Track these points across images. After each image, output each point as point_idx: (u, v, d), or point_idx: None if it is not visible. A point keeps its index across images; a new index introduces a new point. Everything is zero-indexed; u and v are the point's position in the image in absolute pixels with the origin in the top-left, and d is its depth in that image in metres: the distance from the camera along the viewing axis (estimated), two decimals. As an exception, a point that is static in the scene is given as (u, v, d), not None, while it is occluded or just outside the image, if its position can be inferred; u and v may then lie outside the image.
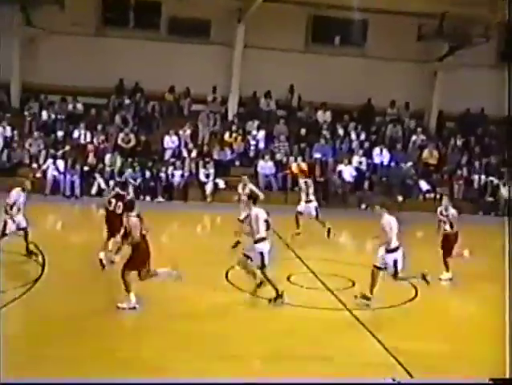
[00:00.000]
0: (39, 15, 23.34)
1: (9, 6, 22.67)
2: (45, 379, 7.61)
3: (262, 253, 11.27)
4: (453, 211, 13.57)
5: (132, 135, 22.79)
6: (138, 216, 10.73)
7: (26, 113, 23.40)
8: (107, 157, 21.95)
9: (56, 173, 21.03)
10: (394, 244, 11.23)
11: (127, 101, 24.21)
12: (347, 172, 22.96)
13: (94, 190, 21.12)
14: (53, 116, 23.38)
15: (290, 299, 11.40)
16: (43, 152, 21.88)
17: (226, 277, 12.72)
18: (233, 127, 24.13)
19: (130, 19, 25.39)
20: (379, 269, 11.37)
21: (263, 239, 11.33)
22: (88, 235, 15.32)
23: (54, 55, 23.94)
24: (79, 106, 23.81)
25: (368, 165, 23.66)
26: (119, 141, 22.64)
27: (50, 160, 21.12)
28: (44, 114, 23.30)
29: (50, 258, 13.44)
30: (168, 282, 11.20)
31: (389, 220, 11.23)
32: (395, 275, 11.32)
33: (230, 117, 24.96)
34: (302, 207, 16.38)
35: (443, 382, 8.49)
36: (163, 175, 21.81)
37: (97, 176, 21.20)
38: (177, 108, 24.84)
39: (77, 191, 21.08)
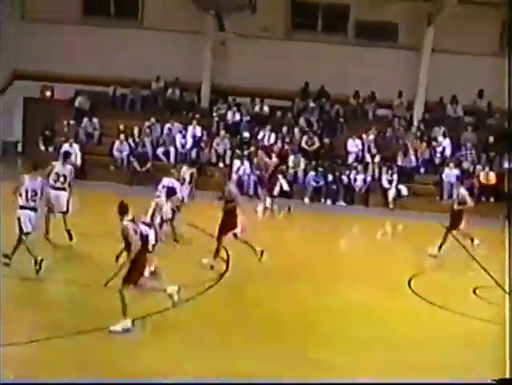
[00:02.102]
0: (231, 20, 24.11)
1: (204, 12, 23.73)
2: (45, 379, 7.78)
3: None
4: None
5: (315, 138, 22.90)
6: (133, 220, 9.72)
7: (214, 114, 24.22)
8: (291, 159, 22.20)
9: (241, 173, 21.54)
10: None
11: (311, 104, 24.35)
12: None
13: (276, 191, 21.40)
14: (239, 117, 24.01)
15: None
16: (229, 152, 22.53)
17: (409, 284, 12.44)
18: (418, 133, 23.55)
19: (318, 23, 25.53)
20: None
21: None
22: (270, 234, 15.63)
23: (243, 58, 24.62)
24: (266, 108, 24.27)
25: None
26: (303, 144, 22.82)
27: (237, 162, 21.63)
28: (231, 115, 23.97)
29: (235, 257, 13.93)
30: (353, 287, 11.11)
31: None
32: None
33: (415, 122, 24.37)
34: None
35: (443, 383, 8.26)
36: (345, 178, 21.71)
37: (280, 177, 21.47)
38: (361, 112, 24.62)
39: (259, 191, 21.46)
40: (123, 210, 9.55)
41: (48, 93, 26.00)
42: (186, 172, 16.16)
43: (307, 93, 24.84)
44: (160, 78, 24.90)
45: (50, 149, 22.76)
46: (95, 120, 23.69)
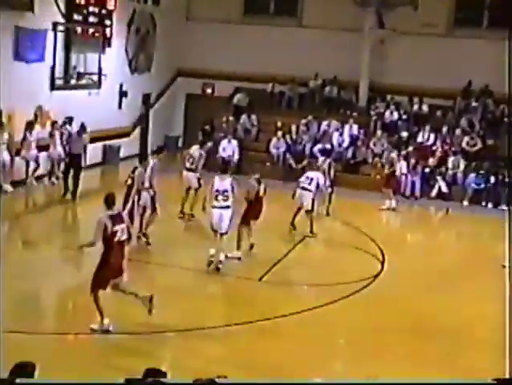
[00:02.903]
0: (391, 17, 23.68)
1: (363, 8, 23.49)
2: (45, 379, 7.62)
3: None
4: None
5: (478, 139, 21.99)
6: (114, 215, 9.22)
7: (372, 112, 23.89)
8: (450, 160, 21.45)
9: (398, 173, 21.07)
10: None
11: (474, 103, 23.43)
12: None
13: (434, 192, 20.81)
14: (397, 116, 23.53)
15: None
16: (386, 152, 22.09)
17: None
18: None
19: (483, 19, 24.54)
20: None
21: None
22: (425, 237, 15.29)
23: (403, 56, 24.11)
24: (425, 107, 23.62)
25: None
26: (464, 144, 21.97)
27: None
28: (389, 114, 23.54)
29: (390, 257, 13.73)
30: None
31: None
32: None
33: None
34: None
35: (443, 383, 8.10)
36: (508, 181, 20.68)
37: (438, 178, 20.83)
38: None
39: (417, 192, 20.94)
40: (108, 202, 9.25)
41: (209, 90, 26.78)
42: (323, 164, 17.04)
43: (470, 92, 23.92)
44: (318, 75, 24.93)
45: (209, 144, 23.34)
46: (254, 117, 24.08)
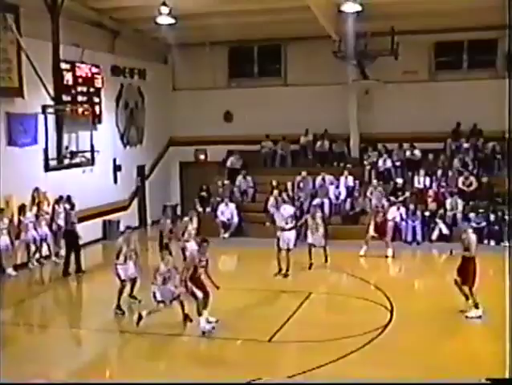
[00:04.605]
0: (373, 67, 24.03)
1: (345, 62, 23.88)
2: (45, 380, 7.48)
3: None
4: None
5: (472, 178, 22.10)
6: None
7: (365, 162, 24.06)
8: (448, 202, 21.51)
9: (398, 220, 21.13)
10: None
11: (465, 144, 23.63)
12: None
13: (435, 235, 20.78)
14: (390, 164, 23.70)
15: None
16: (384, 200, 22.16)
17: None
18: None
19: (463, 61, 24.97)
20: None
21: None
22: (432, 280, 15.19)
23: (389, 104, 24.44)
24: (417, 152, 23.79)
25: None
26: (460, 184, 22.10)
27: (393, 208, 21.24)
28: (382, 162, 23.71)
29: (397, 303, 13.66)
30: None
31: None
32: None
33: None
34: None
35: (442, 382, 8.20)
36: (508, 218, 20.69)
37: (438, 221, 20.85)
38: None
39: (418, 237, 20.94)
40: None
41: (202, 156, 27.04)
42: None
43: (459, 133, 24.16)
44: (308, 131, 25.20)
45: (208, 210, 23.49)
46: (249, 178, 24.24)
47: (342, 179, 23.25)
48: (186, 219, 16.55)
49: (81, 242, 17.96)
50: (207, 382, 9.15)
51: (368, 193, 22.34)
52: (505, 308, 10.45)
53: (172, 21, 20.43)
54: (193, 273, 12.04)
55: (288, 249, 16.45)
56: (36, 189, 18.58)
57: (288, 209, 17.15)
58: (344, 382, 8.20)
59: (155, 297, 12.22)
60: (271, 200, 22.62)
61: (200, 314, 12.01)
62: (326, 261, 17.58)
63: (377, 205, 20.30)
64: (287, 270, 16.41)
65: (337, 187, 23.09)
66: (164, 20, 20.42)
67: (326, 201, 22.66)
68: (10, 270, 17.24)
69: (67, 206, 18.90)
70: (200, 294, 12.02)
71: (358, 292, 15.12)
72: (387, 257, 18.74)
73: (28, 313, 14.99)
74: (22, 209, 17.82)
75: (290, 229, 16.43)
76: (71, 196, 19.14)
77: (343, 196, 22.85)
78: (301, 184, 23.38)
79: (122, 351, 11.69)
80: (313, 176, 23.60)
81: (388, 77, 24.04)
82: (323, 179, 23.32)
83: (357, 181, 23.25)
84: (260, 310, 13.80)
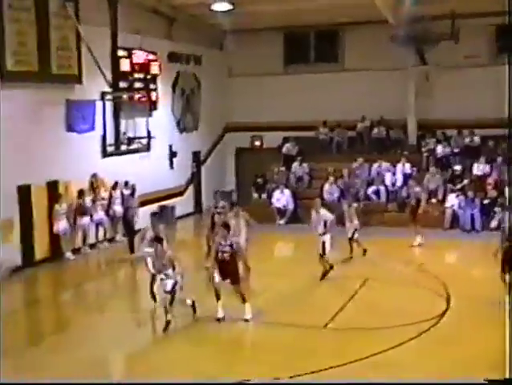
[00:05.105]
0: (433, 52, 23.63)
1: (405, 48, 23.51)
2: (45, 379, 7.38)
3: None
4: None
5: (534, 166, 21.55)
6: None
7: (423, 149, 23.69)
8: (507, 190, 21.00)
9: (456, 208, 20.78)
10: None
11: (527, 130, 23.04)
12: None
13: (493, 224, 20.34)
14: (449, 151, 23.27)
15: None
16: (441, 187, 21.82)
17: None
18: None
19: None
20: None
21: None
22: (486, 269, 14.92)
23: (449, 90, 23.98)
24: (476, 139, 23.31)
25: None
26: (520, 172, 21.58)
27: (452, 195, 20.87)
28: (440, 149, 23.30)
29: (454, 292, 13.59)
30: None
31: None
32: None
33: None
34: None
35: (441, 382, 8.08)
36: None
37: (497, 209, 20.39)
38: None
39: (477, 225, 20.54)
40: None
41: (258, 142, 27.05)
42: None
43: (521, 118, 23.54)
44: (365, 118, 24.94)
45: (263, 196, 23.50)
46: (305, 164, 24.14)
47: (399, 166, 22.95)
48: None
49: (137, 227, 18.14)
50: (211, 382, 9.16)
51: (425, 181, 21.97)
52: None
53: (230, 7, 20.43)
54: (215, 256, 12.03)
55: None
56: (94, 175, 18.85)
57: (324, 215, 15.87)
58: (344, 382, 8.13)
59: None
60: (327, 186, 22.48)
61: (244, 301, 12.02)
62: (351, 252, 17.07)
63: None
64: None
65: (394, 174, 22.81)
66: (221, 6, 20.43)
67: (382, 188, 22.44)
68: (68, 254, 17.58)
69: (126, 192, 19.17)
70: (217, 278, 11.95)
71: (413, 280, 14.95)
72: (412, 246, 18.29)
73: (85, 296, 15.30)
74: (80, 194, 18.11)
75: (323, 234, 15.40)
76: (128, 182, 19.39)
77: (399, 184, 22.56)
78: (357, 171, 23.18)
79: (172, 336, 11.71)
80: (369, 162, 23.38)
81: (448, 62, 23.61)
82: (380, 166, 23.08)
83: (414, 168, 22.91)
84: (314, 296, 13.72)
